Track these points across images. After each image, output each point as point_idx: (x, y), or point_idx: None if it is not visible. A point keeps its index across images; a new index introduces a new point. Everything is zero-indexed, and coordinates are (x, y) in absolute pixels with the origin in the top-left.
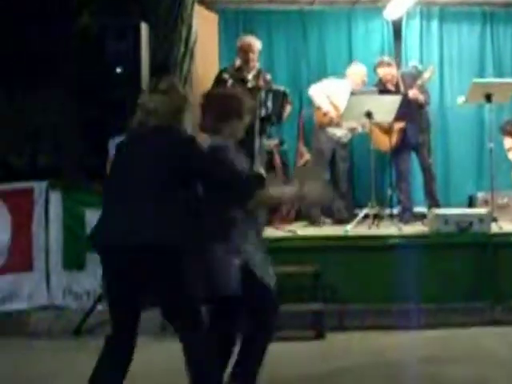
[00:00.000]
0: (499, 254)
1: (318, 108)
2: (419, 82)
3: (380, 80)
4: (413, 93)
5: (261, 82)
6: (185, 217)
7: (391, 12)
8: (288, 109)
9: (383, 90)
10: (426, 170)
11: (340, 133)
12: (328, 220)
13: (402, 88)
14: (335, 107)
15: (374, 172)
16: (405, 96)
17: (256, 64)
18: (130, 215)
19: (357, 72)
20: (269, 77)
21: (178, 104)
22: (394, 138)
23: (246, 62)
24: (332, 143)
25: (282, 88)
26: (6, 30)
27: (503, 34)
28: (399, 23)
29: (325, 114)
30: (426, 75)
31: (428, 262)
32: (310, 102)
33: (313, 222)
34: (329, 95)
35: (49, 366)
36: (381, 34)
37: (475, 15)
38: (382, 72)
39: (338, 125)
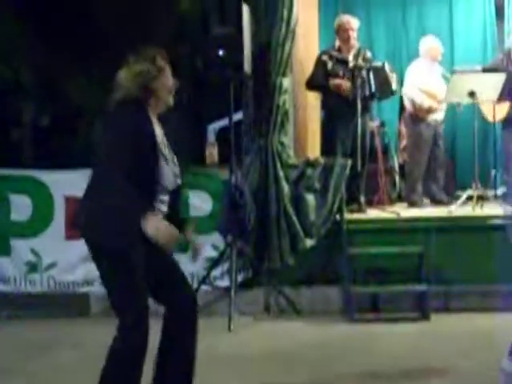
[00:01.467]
0: None
1: (420, 105)
2: None
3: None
4: None
5: (360, 61)
6: (117, 209)
7: None
8: (394, 78)
9: (500, 67)
10: None
11: (439, 116)
12: (427, 201)
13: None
14: (431, 95)
15: (477, 153)
16: (510, 74)
17: (355, 42)
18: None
19: (431, 46)
20: (369, 54)
21: (133, 74)
22: (501, 114)
23: (346, 40)
24: (432, 128)
25: (379, 63)
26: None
27: None
28: (502, 1)
29: (428, 111)
30: None
31: None
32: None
33: (413, 203)
34: (420, 86)
35: None
36: (483, 12)
37: None
38: None
39: (436, 109)
